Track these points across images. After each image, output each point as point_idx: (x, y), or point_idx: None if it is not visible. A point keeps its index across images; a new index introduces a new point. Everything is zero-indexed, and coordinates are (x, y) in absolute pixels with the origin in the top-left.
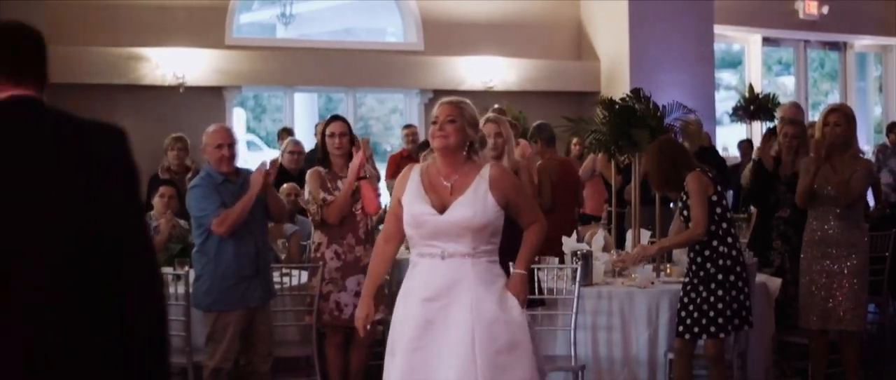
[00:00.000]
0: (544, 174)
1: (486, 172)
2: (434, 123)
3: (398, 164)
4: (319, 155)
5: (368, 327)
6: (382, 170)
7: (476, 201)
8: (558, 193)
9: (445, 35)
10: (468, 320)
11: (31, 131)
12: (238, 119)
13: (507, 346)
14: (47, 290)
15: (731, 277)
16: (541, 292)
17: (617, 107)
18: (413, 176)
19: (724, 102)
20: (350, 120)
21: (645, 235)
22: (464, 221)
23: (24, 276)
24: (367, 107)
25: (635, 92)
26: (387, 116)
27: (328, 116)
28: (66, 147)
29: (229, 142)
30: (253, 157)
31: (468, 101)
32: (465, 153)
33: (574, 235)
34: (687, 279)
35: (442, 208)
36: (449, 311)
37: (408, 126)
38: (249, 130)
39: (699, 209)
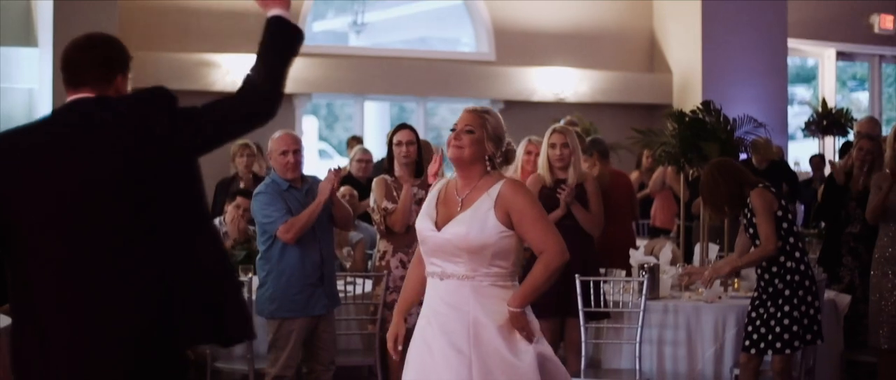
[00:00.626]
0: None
1: (495, 189)
2: (453, 130)
3: None
4: (386, 163)
5: (400, 347)
6: None
7: (474, 219)
8: (611, 206)
9: (517, 45)
10: (465, 349)
11: (82, 118)
12: (310, 127)
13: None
14: (117, 230)
15: (800, 292)
16: (606, 304)
17: (686, 119)
18: (433, 189)
19: (798, 116)
20: (420, 129)
21: (713, 248)
22: (456, 238)
23: (95, 218)
24: (440, 117)
25: (705, 105)
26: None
27: (397, 125)
28: (111, 121)
29: (294, 148)
30: (324, 165)
31: (495, 112)
32: (485, 167)
33: (641, 248)
34: (755, 294)
35: (445, 224)
36: (445, 337)
37: None
38: (321, 138)
39: (767, 226)
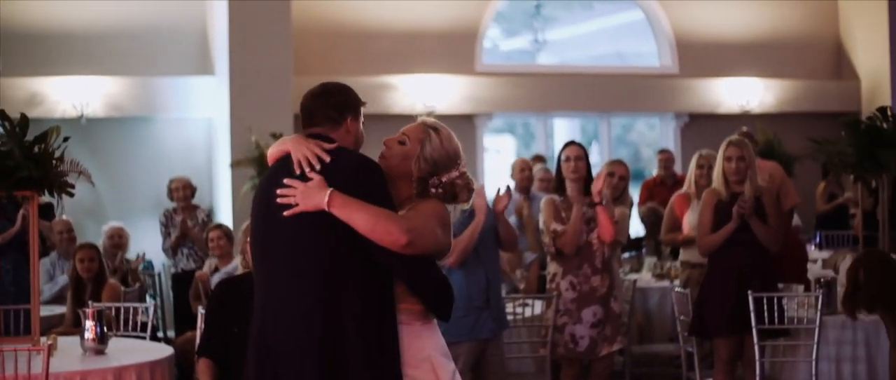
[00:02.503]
0: None
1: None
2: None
3: (651, 190)
4: (555, 181)
5: None
6: (636, 196)
7: None
8: None
9: (700, 57)
10: None
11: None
12: (506, 146)
13: None
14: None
15: None
16: (782, 321)
17: (862, 127)
18: None
19: None
20: (606, 145)
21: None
22: None
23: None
24: (637, 132)
25: (882, 111)
26: (656, 142)
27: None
28: (329, 170)
29: None
30: None
31: (449, 134)
32: (413, 190)
33: (819, 262)
34: None
35: None
36: None
37: (662, 151)
38: (518, 156)
39: None
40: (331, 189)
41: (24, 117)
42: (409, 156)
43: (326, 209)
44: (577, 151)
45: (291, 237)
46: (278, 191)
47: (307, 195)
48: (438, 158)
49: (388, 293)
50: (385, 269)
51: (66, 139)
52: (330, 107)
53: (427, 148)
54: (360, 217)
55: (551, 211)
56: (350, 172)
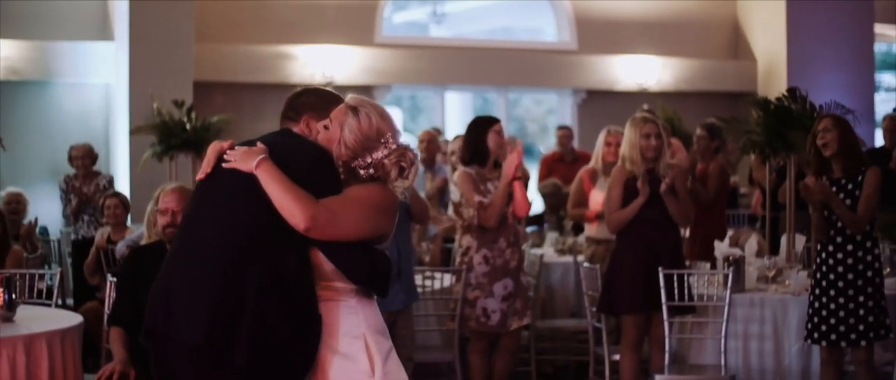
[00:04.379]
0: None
1: None
2: None
3: (550, 166)
4: (471, 153)
5: None
6: (534, 172)
7: None
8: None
9: (599, 34)
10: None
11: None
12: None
13: None
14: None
15: (877, 280)
16: (690, 298)
17: (772, 107)
18: None
19: (885, 103)
20: (502, 120)
21: (799, 239)
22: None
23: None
24: (523, 108)
25: (791, 92)
26: (543, 117)
27: (489, 116)
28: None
29: None
30: None
31: (371, 115)
32: (343, 174)
33: (726, 240)
34: (824, 283)
35: None
36: None
37: (561, 127)
38: (406, 130)
39: (871, 207)
40: (264, 156)
41: None
42: (333, 140)
43: (253, 172)
44: (501, 127)
45: (220, 206)
46: (225, 150)
47: (244, 157)
48: (356, 141)
49: (303, 271)
50: (305, 248)
51: None
52: (290, 107)
53: (346, 132)
54: (273, 191)
55: (471, 184)
56: (305, 158)
